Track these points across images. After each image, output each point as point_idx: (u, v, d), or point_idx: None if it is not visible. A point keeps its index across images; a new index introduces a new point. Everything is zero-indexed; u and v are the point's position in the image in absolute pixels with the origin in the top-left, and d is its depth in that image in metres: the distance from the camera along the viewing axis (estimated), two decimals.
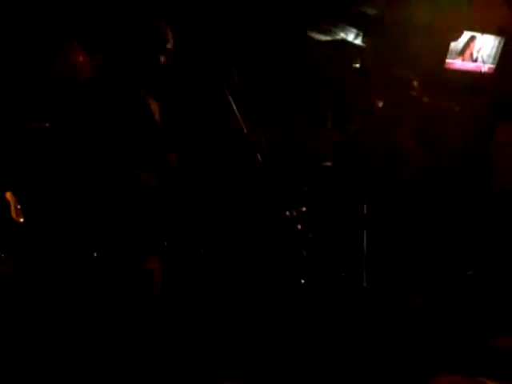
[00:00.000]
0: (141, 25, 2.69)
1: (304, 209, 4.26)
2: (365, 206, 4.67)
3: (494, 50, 6.87)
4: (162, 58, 2.71)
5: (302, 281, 4.09)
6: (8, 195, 3.81)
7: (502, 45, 6.78)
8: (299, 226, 4.08)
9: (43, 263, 3.67)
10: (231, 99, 2.85)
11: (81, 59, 4.36)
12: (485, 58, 6.93)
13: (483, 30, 6.67)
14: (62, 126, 2.60)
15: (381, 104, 5.65)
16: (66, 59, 4.33)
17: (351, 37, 6.66)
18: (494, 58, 6.86)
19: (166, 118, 2.92)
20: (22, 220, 3.79)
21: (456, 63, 6.79)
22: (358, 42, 6.74)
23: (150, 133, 2.76)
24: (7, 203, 3.79)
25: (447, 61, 6.65)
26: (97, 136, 2.55)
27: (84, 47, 4.34)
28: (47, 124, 3.89)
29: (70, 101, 2.67)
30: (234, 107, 2.86)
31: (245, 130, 2.76)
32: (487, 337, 3.62)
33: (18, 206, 3.78)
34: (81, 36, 4.34)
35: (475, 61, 6.93)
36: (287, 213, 4.07)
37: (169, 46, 2.73)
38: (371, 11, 6.14)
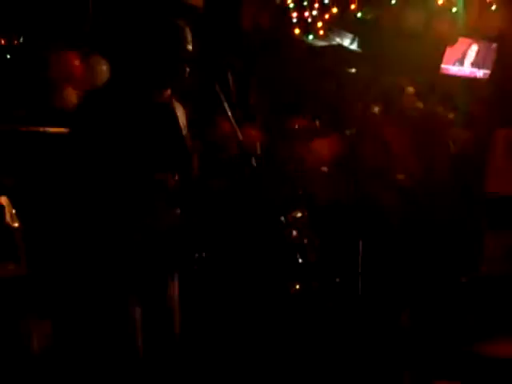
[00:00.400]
0: (163, 28, 2.69)
1: (299, 214, 4.26)
2: (360, 211, 4.67)
3: (489, 56, 6.90)
4: (184, 65, 2.71)
5: (297, 286, 4.09)
6: (2, 199, 3.80)
7: (496, 50, 6.81)
8: (294, 232, 4.08)
9: (38, 269, 3.67)
10: (226, 104, 2.84)
11: (100, 66, 4.39)
12: (480, 63, 6.96)
13: (478, 36, 6.70)
14: (82, 130, 2.59)
15: (376, 109, 5.66)
16: (87, 65, 4.36)
17: (347, 42, 6.69)
18: (489, 64, 6.88)
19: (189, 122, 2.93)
20: (16, 225, 3.78)
21: (451, 69, 6.81)
22: (354, 47, 6.77)
23: (175, 136, 2.76)
24: (1, 208, 3.78)
25: (442, 67, 6.68)
26: (120, 140, 2.54)
27: (103, 53, 4.37)
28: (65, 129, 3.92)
29: (90, 105, 2.66)
30: (229, 112, 2.85)
31: (240, 137, 2.75)
32: (472, 343, 3.63)
33: (13, 211, 3.78)
34: (101, 42, 4.38)
35: (471, 67, 6.96)
36: (282, 218, 4.07)
37: (189, 47, 2.73)
38: (367, 17, 6.15)
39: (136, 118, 2.56)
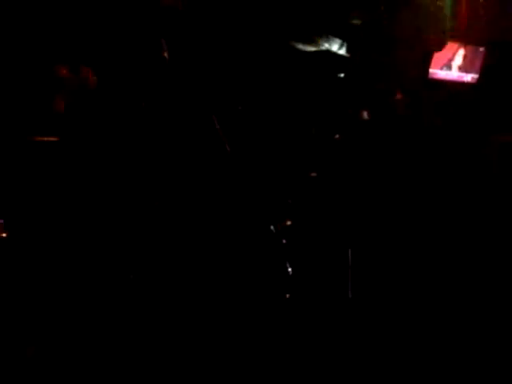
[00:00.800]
0: (142, 37, 2.69)
1: (289, 222, 4.26)
2: (349, 217, 4.67)
3: (477, 60, 6.93)
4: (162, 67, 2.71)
5: (287, 295, 4.09)
6: None
7: (484, 55, 6.84)
8: (284, 241, 4.08)
9: (27, 277, 3.65)
10: (215, 119, 2.85)
11: (86, 74, 4.37)
12: (468, 68, 6.99)
13: (466, 41, 6.72)
14: (71, 138, 2.59)
15: (365, 115, 5.67)
16: (73, 75, 4.35)
17: (335, 47, 6.68)
18: (477, 68, 6.91)
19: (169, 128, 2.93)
20: (4, 235, 3.76)
21: (439, 73, 6.83)
22: (343, 52, 6.77)
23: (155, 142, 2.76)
24: None
25: (430, 71, 6.69)
26: (105, 145, 2.54)
27: (89, 62, 4.35)
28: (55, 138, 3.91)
29: (78, 114, 2.67)
30: (217, 125, 2.86)
31: (227, 148, 2.75)
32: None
33: (1, 221, 3.75)
34: (85, 51, 4.36)
35: (458, 71, 6.98)
36: (271, 227, 4.08)
37: (165, 54, 2.73)
38: (355, 22, 6.15)
39: (117, 124, 2.56)
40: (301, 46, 6.20)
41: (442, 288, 4.46)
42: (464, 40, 6.69)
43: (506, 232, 4.91)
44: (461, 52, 6.89)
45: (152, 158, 2.76)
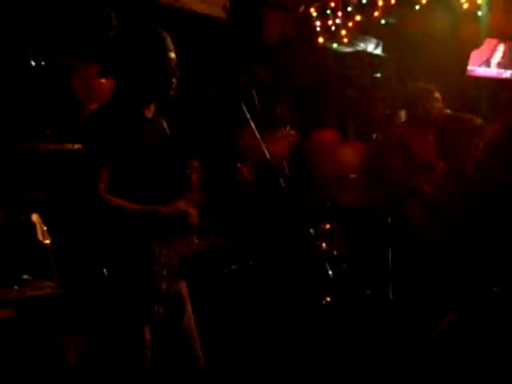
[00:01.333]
0: (149, 46, 2.65)
1: (328, 226, 4.25)
2: (389, 218, 4.63)
3: None
4: (174, 79, 2.68)
5: (328, 299, 4.08)
6: (34, 217, 3.85)
7: None
8: (324, 244, 4.08)
9: (72, 286, 3.70)
10: (252, 123, 2.84)
11: (98, 82, 4.43)
12: (507, 64, 6.89)
13: (505, 37, 6.63)
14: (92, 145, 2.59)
15: (402, 115, 5.62)
16: (85, 82, 4.41)
17: (371, 47, 6.65)
18: None
19: (177, 135, 2.91)
20: (48, 242, 3.82)
21: (478, 71, 6.75)
22: (378, 51, 6.74)
23: (165, 150, 2.74)
24: (33, 225, 3.82)
25: (469, 69, 6.61)
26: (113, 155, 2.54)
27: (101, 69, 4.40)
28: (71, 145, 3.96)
29: (90, 123, 2.65)
30: (255, 130, 2.85)
31: (268, 156, 2.75)
32: None
33: (44, 228, 3.82)
34: (97, 58, 4.40)
35: (497, 67, 6.89)
36: (311, 230, 4.07)
37: (172, 56, 2.69)
38: (391, 21, 6.11)
39: (131, 136, 2.55)
40: (337, 47, 6.19)
41: None
42: (502, 36, 6.60)
43: None
44: (500, 48, 6.80)
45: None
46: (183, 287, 2.82)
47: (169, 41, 2.66)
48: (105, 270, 2.53)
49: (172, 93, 2.67)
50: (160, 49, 2.62)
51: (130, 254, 2.53)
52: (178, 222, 2.60)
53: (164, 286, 2.60)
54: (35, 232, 3.80)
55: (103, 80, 4.44)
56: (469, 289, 4.21)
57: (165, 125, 2.81)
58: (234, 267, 4.16)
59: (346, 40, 5.87)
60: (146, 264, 2.56)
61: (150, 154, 2.62)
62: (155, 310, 2.60)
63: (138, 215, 2.53)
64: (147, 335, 2.58)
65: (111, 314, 2.57)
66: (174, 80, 2.66)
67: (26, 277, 3.74)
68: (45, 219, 3.84)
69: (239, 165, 2.82)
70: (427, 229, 4.60)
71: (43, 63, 4.35)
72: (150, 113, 2.69)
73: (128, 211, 2.51)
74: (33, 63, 4.33)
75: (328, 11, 5.62)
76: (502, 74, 6.96)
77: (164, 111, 2.82)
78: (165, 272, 2.60)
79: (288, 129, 2.98)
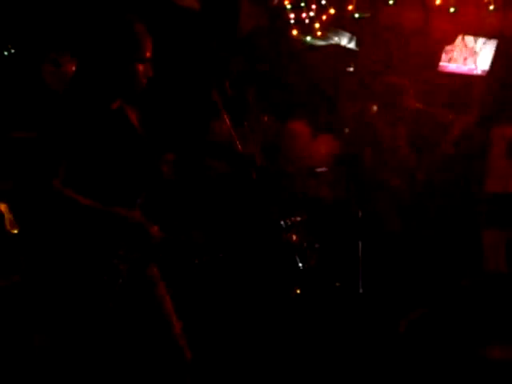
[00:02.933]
0: (116, 32, 2.55)
1: (299, 218, 4.25)
2: (359, 211, 4.65)
3: (488, 53, 6.88)
4: (141, 68, 2.59)
5: (298, 291, 4.09)
6: (2, 206, 3.80)
7: (495, 48, 6.78)
8: (294, 237, 4.08)
9: (37, 277, 3.65)
10: (225, 113, 2.82)
11: (69, 69, 4.36)
12: (478, 61, 6.94)
13: (477, 34, 6.67)
14: (51, 135, 2.51)
15: (375, 109, 5.64)
16: (54, 69, 4.34)
17: (344, 41, 6.67)
18: (488, 62, 6.86)
19: (150, 127, 2.85)
20: (15, 231, 3.77)
21: (449, 67, 6.79)
22: (352, 46, 6.75)
23: (133, 143, 2.67)
24: (1, 214, 3.77)
25: (441, 64, 6.65)
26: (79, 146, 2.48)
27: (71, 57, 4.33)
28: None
29: (56, 111, 2.57)
30: (228, 122, 2.83)
31: (239, 147, 2.73)
32: (482, 347, 3.63)
33: (11, 217, 3.77)
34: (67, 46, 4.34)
35: (469, 64, 6.93)
36: (281, 222, 4.08)
37: (148, 54, 2.60)
38: (365, 15, 6.13)
39: (90, 124, 2.48)
40: (310, 40, 6.20)
41: None
42: (475, 33, 6.64)
43: None
44: (471, 45, 6.85)
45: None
46: (152, 270, 2.77)
47: (145, 36, 2.58)
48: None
49: (139, 89, 2.61)
50: (132, 45, 2.54)
51: (87, 248, 2.49)
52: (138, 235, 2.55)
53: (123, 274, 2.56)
54: (3, 221, 3.76)
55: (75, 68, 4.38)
56: (437, 282, 4.26)
57: (134, 116, 2.75)
58: (204, 258, 4.15)
59: (319, 33, 5.88)
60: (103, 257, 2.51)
61: (112, 147, 2.54)
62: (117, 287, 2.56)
63: (93, 213, 2.47)
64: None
65: (74, 300, 2.54)
66: (144, 80, 2.60)
67: None
68: (13, 209, 3.80)
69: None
70: (396, 222, 4.64)
71: (13, 51, 4.30)
72: (115, 104, 2.62)
73: (81, 206, 2.45)
74: (5, 53, 4.27)
75: (302, 4, 5.63)
76: (473, 70, 7.00)
77: (134, 102, 2.76)
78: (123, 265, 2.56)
79: (266, 118, 2.97)
